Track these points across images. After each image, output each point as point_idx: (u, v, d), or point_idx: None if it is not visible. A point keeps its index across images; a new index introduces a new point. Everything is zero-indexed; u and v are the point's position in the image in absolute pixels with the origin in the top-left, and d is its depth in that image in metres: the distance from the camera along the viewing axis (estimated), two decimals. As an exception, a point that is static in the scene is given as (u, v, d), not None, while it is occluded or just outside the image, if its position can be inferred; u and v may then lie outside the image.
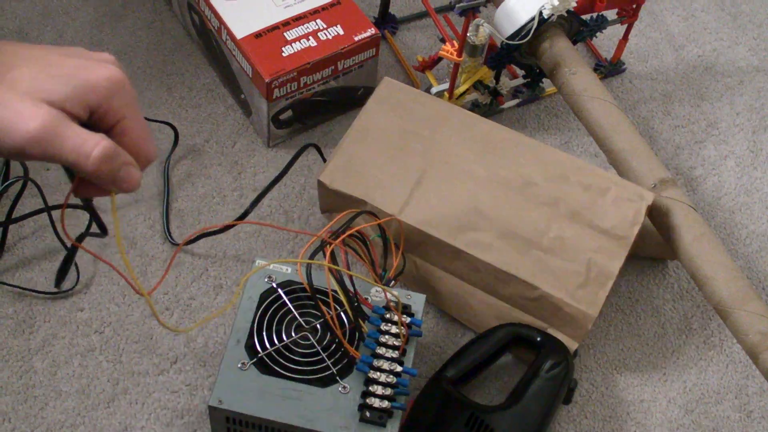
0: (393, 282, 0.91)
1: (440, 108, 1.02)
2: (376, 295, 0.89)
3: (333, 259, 0.84)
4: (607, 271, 0.91)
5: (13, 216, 1.00)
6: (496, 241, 0.93)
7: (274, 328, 0.87)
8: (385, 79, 1.05)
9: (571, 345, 0.92)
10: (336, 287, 0.83)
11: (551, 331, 0.93)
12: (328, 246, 0.84)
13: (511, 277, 0.91)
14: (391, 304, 0.88)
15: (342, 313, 0.87)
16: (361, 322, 0.85)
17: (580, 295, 0.90)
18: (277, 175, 1.05)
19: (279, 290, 0.89)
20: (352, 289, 0.85)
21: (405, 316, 0.87)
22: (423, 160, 0.98)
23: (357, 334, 0.86)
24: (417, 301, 0.89)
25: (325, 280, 0.83)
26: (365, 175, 0.97)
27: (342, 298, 0.84)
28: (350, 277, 0.85)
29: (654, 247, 1.04)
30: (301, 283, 0.88)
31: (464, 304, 0.97)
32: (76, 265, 0.99)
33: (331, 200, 1.00)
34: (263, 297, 0.89)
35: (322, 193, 1.00)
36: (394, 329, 0.86)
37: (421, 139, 1.00)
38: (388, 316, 0.86)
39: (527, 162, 0.97)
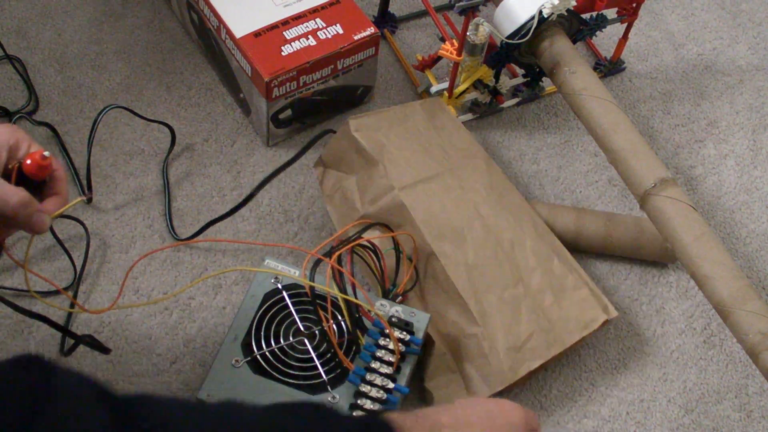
0: (400, 297, 0.91)
1: (474, 146, 1.04)
2: (381, 308, 0.89)
3: (338, 266, 0.84)
4: (541, 351, 0.90)
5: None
6: (464, 267, 0.93)
7: (273, 329, 0.87)
8: (438, 98, 1.09)
9: (480, 392, 0.89)
10: (337, 295, 0.83)
11: (462, 371, 0.90)
12: (335, 252, 0.84)
13: (461, 303, 0.91)
14: (388, 319, 0.87)
15: (342, 323, 0.87)
16: (359, 333, 0.85)
17: (510, 356, 0.89)
18: (292, 158, 1.03)
19: (283, 292, 0.89)
20: (354, 299, 0.85)
21: (405, 333, 0.87)
22: (440, 168, 1.00)
23: (354, 345, 0.86)
24: (420, 319, 0.89)
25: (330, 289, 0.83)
26: (387, 145, 0.99)
27: (342, 306, 0.84)
28: (353, 287, 0.85)
29: (654, 252, 1.04)
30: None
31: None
32: (74, 266, 0.99)
33: (339, 150, 1.01)
34: (267, 297, 0.89)
35: (338, 137, 1.02)
36: (391, 345, 0.85)
37: (447, 156, 1.02)
38: (387, 330, 0.86)
39: (527, 228, 0.98)
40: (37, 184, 0.74)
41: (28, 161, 0.72)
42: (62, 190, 0.75)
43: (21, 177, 0.72)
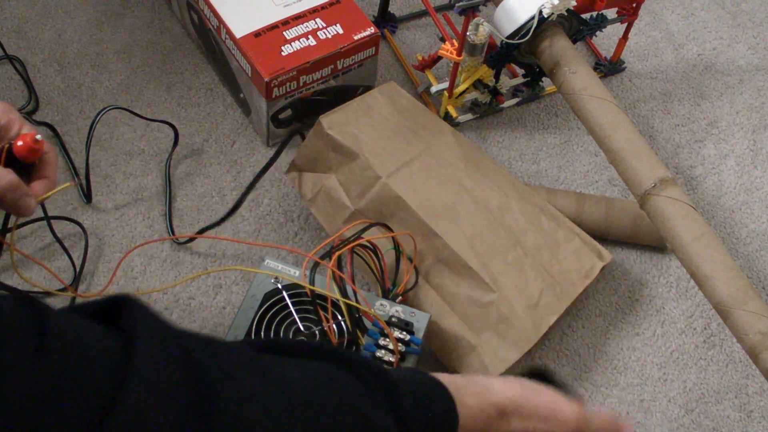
0: (400, 297, 0.91)
1: (437, 122, 1.05)
2: (381, 309, 0.89)
3: (338, 266, 0.84)
4: (555, 305, 0.92)
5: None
6: (465, 240, 0.94)
7: (273, 329, 0.87)
8: (391, 83, 1.07)
9: (508, 357, 0.90)
10: (337, 296, 0.83)
11: (484, 344, 0.91)
12: (335, 252, 0.84)
13: (472, 274, 0.92)
14: (388, 319, 0.87)
15: (342, 323, 0.87)
16: (359, 333, 0.85)
17: (530, 314, 0.91)
18: (267, 163, 1.04)
19: (283, 292, 0.89)
20: (354, 299, 0.85)
21: (405, 333, 0.87)
22: (416, 150, 1.00)
23: (354, 345, 0.86)
24: (420, 319, 0.89)
25: (330, 289, 0.83)
26: (361, 137, 0.99)
27: (342, 306, 0.84)
28: (353, 288, 0.85)
29: (654, 237, 1.05)
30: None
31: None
32: (74, 265, 0.99)
33: (314, 151, 1.00)
34: (267, 297, 0.88)
35: (311, 137, 1.01)
36: (391, 345, 0.85)
37: (418, 137, 1.02)
38: (386, 332, 0.86)
39: (509, 191, 1.00)
40: (26, 165, 0.73)
41: (20, 143, 0.71)
42: (51, 174, 0.74)
43: (10, 158, 0.71)
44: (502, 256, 0.94)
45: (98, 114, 1.03)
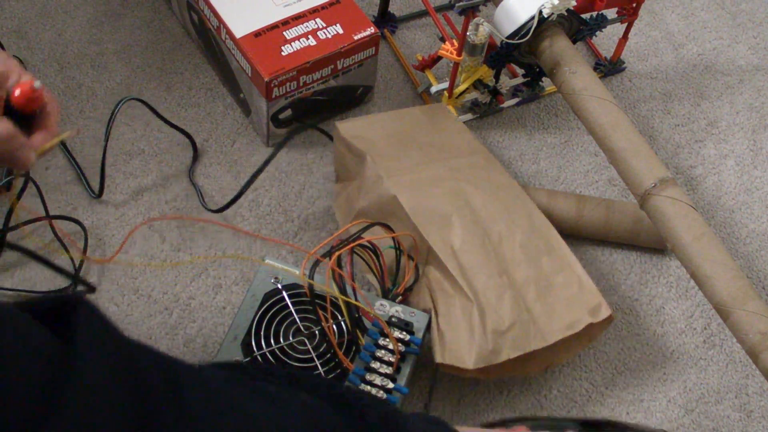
0: (400, 297, 0.91)
1: (475, 145, 1.05)
2: (381, 309, 0.89)
3: (338, 266, 0.84)
4: (522, 342, 0.88)
5: (13, 219, 1.00)
6: (451, 251, 0.92)
7: (273, 329, 0.87)
8: (441, 104, 1.10)
9: (463, 359, 0.88)
10: (337, 295, 0.83)
11: (449, 333, 0.90)
12: (335, 252, 0.84)
13: (451, 278, 0.90)
14: (388, 319, 0.87)
15: (342, 323, 0.87)
16: (359, 333, 0.85)
17: (494, 338, 0.88)
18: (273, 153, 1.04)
19: (283, 292, 0.89)
20: (354, 299, 0.85)
21: (405, 333, 0.87)
22: (431, 161, 1.00)
23: (354, 345, 0.86)
24: (420, 319, 0.89)
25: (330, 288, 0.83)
26: (376, 143, 1.00)
27: (342, 306, 0.84)
28: (353, 286, 0.85)
29: (653, 239, 1.05)
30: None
31: None
32: (74, 264, 0.99)
33: (339, 157, 1.03)
34: (267, 297, 0.89)
35: (335, 144, 1.04)
36: (391, 345, 0.85)
37: (442, 152, 1.02)
38: (386, 332, 0.86)
39: (520, 222, 0.97)
40: (25, 116, 0.69)
41: (17, 92, 0.67)
42: (51, 125, 0.70)
43: (9, 108, 0.68)
44: (485, 278, 0.91)
45: (117, 104, 1.03)
